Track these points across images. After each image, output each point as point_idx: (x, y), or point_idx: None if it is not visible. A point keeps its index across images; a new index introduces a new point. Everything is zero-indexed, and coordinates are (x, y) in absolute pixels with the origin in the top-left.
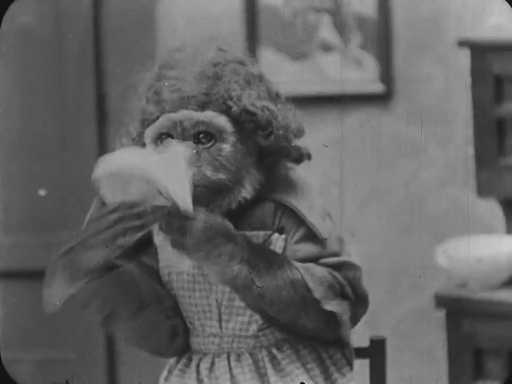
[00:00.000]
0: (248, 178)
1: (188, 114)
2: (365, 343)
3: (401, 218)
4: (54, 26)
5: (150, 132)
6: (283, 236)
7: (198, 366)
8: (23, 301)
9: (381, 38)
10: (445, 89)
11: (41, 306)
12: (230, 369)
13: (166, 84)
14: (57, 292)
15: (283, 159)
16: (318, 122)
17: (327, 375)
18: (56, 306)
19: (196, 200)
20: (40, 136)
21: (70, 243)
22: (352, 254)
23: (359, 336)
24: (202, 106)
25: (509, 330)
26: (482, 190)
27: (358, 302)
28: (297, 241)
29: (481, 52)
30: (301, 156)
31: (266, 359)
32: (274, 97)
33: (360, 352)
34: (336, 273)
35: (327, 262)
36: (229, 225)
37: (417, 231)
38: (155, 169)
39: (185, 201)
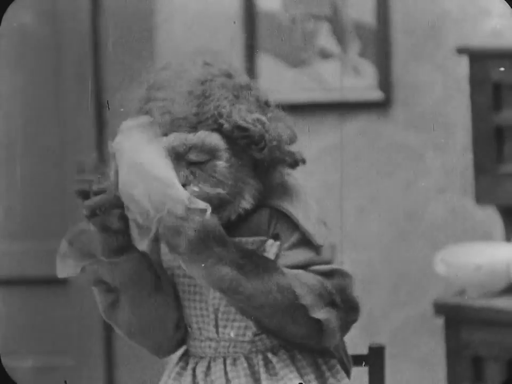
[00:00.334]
0: (247, 189)
1: (179, 139)
2: (363, 351)
3: (399, 225)
4: (53, 27)
5: None
6: (277, 243)
7: (194, 369)
8: (22, 308)
9: (379, 46)
10: (444, 97)
11: (41, 313)
12: (226, 373)
13: (155, 105)
14: (69, 264)
15: (278, 166)
16: (317, 129)
17: (322, 380)
18: (68, 275)
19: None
20: (40, 142)
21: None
22: (344, 262)
23: (357, 344)
24: (194, 127)
25: (508, 338)
26: (481, 198)
27: (348, 310)
28: (291, 247)
29: (481, 59)
30: (295, 161)
31: (261, 363)
32: (264, 106)
33: (359, 360)
34: (326, 282)
35: (318, 270)
36: (220, 227)
37: (415, 238)
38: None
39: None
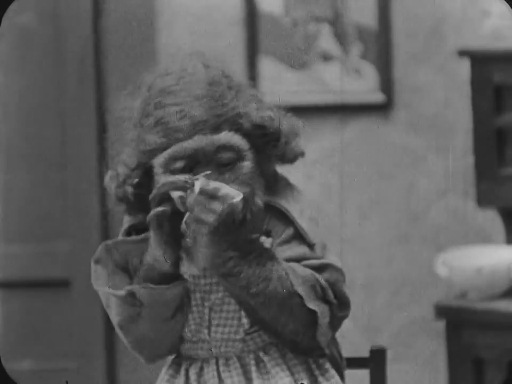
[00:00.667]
0: (260, 187)
1: (207, 141)
2: (365, 353)
3: (401, 228)
4: (54, 27)
5: (162, 162)
6: (270, 239)
7: (187, 371)
8: (23, 310)
9: (381, 48)
10: (445, 99)
11: (42, 316)
12: (219, 373)
13: (171, 111)
14: (101, 274)
15: (274, 161)
16: (318, 132)
17: (312, 379)
18: (98, 287)
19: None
20: (40, 144)
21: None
22: (335, 260)
23: (359, 346)
24: (216, 129)
25: (509, 340)
26: (482, 200)
27: (339, 306)
28: (284, 242)
29: (482, 61)
30: (296, 156)
31: (253, 363)
32: (266, 103)
33: (361, 362)
34: (318, 276)
35: (310, 264)
36: (241, 213)
37: (417, 241)
38: None
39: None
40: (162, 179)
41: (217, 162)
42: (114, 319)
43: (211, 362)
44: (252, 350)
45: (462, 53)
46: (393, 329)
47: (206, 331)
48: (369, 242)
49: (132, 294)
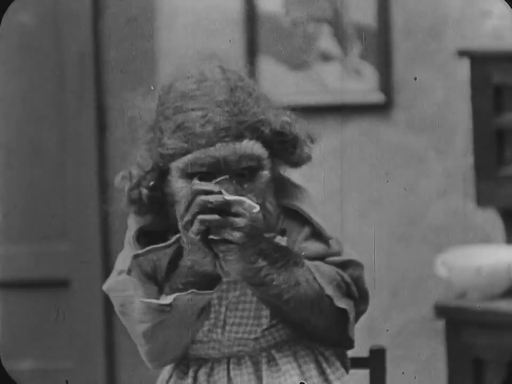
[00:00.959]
0: (270, 192)
1: (230, 150)
2: (365, 353)
3: (400, 228)
4: (54, 27)
5: (181, 167)
6: (285, 238)
7: (196, 372)
8: (23, 311)
9: (380, 48)
10: (444, 99)
11: (41, 316)
12: (229, 373)
13: (194, 116)
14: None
15: (289, 167)
16: (318, 132)
17: (324, 377)
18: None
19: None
20: (40, 144)
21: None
22: (352, 254)
23: (359, 346)
24: (238, 136)
25: (508, 340)
26: (482, 200)
27: (360, 300)
28: (304, 240)
29: (481, 62)
30: (303, 160)
31: (264, 360)
32: (278, 107)
33: (360, 362)
34: (342, 273)
35: (333, 261)
36: (258, 220)
37: (416, 241)
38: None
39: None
40: (194, 185)
41: (238, 171)
42: (137, 326)
43: (222, 362)
44: (264, 348)
45: (462, 53)
46: (393, 329)
47: (220, 330)
48: (369, 243)
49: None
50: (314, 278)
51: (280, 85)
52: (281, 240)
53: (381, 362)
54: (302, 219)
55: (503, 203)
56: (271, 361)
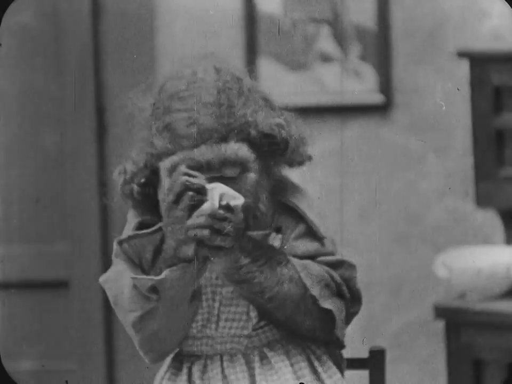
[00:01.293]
0: (263, 192)
1: (214, 152)
2: (364, 354)
3: (400, 228)
4: (54, 27)
5: (167, 167)
6: (280, 236)
7: (190, 369)
8: (23, 311)
9: (380, 49)
10: (444, 100)
11: (42, 316)
12: (223, 370)
13: (179, 117)
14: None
15: (287, 165)
16: (317, 133)
17: (315, 376)
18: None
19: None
20: (40, 144)
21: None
22: (345, 255)
23: (358, 347)
24: (223, 138)
25: (508, 341)
26: (482, 201)
27: (352, 301)
28: (296, 238)
29: (481, 62)
30: (303, 160)
31: (257, 359)
32: (275, 108)
33: (360, 363)
34: (333, 273)
35: (325, 260)
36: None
37: (416, 242)
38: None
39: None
40: (181, 178)
41: (223, 174)
42: (127, 316)
43: (215, 359)
44: (257, 346)
45: (461, 54)
46: (392, 330)
47: (213, 326)
48: (368, 243)
49: (153, 288)
50: (300, 277)
51: (279, 85)
52: (276, 238)
53: (381, 363)
54: (297, 217)
55: (503, 204)
56: (264, 359)
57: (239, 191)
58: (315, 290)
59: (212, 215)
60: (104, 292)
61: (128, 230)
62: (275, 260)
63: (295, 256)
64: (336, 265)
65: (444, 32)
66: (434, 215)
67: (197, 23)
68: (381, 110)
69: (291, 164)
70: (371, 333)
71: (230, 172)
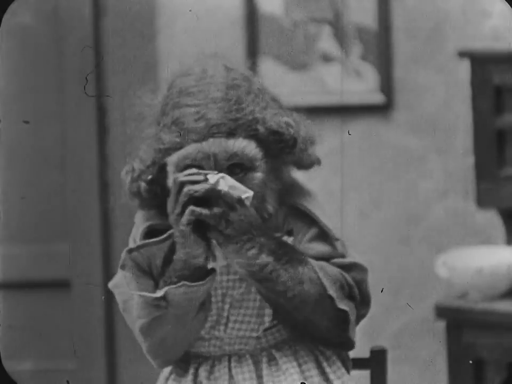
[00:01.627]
0: (271, 193)
1: (221, 146)
2: (365, 354)
3: (401, 228)
4: (54, 27)
5: (175, 161)
6: (291, 238)
7: (196, 369)
8: (24, 311)
9: (381, 49)
10: (445, 100)
11: (42, 316)
12: (230, 370)
13: (188, 112)
14: (129, 278)
15: (296, 168)
16: (318, 133)
17: (324, 377)
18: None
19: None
20: (40, 144)
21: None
22: (356, 257)
23: (359, 347)
24: (231, 133)
25: (509, 341)
26: (482, 201)
27: (362, 304)
28: (310, 240)
29: (482, 62)
30: (312, 162)
31: (265, 360)
32: (284, 108)
33: (361, 363)
34: (345, 275)
35: (338, 262)
36: (258, 217)
37: (417, 242)
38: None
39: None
40: (179, 177)
41: (229, 170)
42: (135, 322)
43: (223, 359)
44: (265, 348)
45: (462, 54)
46: (393, 329)
47: (222, 328)
48: (369, 243)
49: (162, 296)
50: (319, 278)
51: (280, 85)
52: (288, 241)
53: (382, 363)
54: (309, 220)
55: (504, 204)
56: (272, 360)
57: None
58: (332, 291)
59: (212, 193)
60: (104, 292)
61: (136, 234)
62: (296, 259)
63: (311, 258)
64: (349, 267)
65: (445, 32)
66: (435, 215)
67: (198, 23)
68: (382, 110)
69: (300, 166)
70: (372, 333)
71: (237, 166)
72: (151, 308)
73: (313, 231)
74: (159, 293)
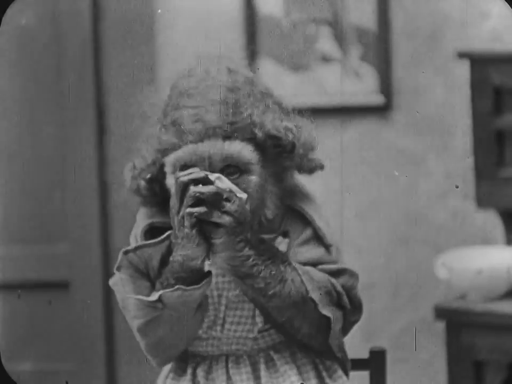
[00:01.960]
0: (270, 198)
1: (216, 148)
2: (365, 355)
3: (400, 229)
4: (54, 27)
5: (171, 162)
6: (286, 240)
7: (194, 369)
8: (24, 312)
9: (380, 50)
10: (444, 101)
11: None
12: (227, 370)
13: (186, 113)
14: (125, 281)
15: (293, 170)
16: (318, 134)
17: (320, 380)
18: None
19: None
20: (40, 144)
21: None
22: (347, 263)
23: (359, 348)
24: (228, 136)
25: (509, 342)
26: (482, 201)
27: (353, 310)
28: (302, 243)
29: (481, 63)
30: (314, 167)
31: (262, 360)
32: (287, 113)
33: (360, 364)
34: (334, 281)
35: (327, 268)
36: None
37: (416, 243)
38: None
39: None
40: (180, 177)
41: (223, 171)
42: (133, 322)
43: (220, 359)
44: (262, 349)
45: (462, 55)
46: (393, 330)
47: (219, 328)
48: (368, 244)
49: (157, 299)
50: (301, 280)
51: (279, 86)
52: (283, 242)
53: (381, 364)
54: (305, 222)
55: (503, 204)
56: (269, 361)
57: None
58: (315, 295)
59: (217, 194)
60: (104, 293)
61: (137, 232)
62: (279, 258)
63: (299, 262)
64: (338, 273)
65: (444, 33)
66: (434, 215)
67: (197, 24)
68: (381, 110)
69: (301, 170)
70: (372, 333)
71: (231, 169)
72: (147, 309)
73: (307, 233)
74: (154, 297)
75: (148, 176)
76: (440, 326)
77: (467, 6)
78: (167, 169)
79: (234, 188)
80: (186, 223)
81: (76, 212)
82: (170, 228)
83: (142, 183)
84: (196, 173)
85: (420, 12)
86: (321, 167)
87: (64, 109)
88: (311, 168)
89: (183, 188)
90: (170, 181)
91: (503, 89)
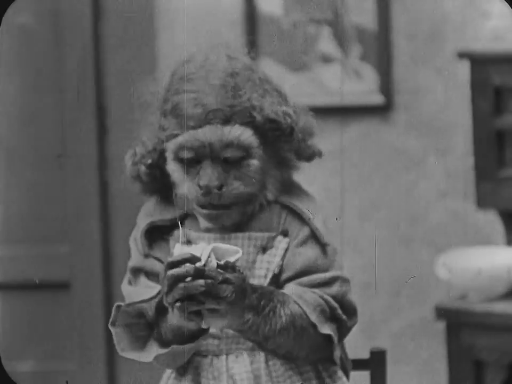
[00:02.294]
0: (271, 181)
1: (217, 133)
2: (365, 355)
3: (400, 229)
4: (54, 27)
5: (172, 147)
6: (286, 239)
7: (196, 368)
8: (24, 312)
9: (381, 50)
10: (444, 101)
11: (42, 318)
12: (228, 370)
13: (186, 97)
14: (122, 337)
15: (296, 158)
16: (318, 134)
17: (320, 381)
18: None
19: (230, 215)
20: (40, 144)
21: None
22: (343, 266)
23: (359, 348)
24: (227, 120)
25: (509, 342)
26: (482, 202)
27: (348, 318)
28: (299, 243)
29: (482, 63)
30: (313, 154)
31: (262, 359)
32: (285, 99)
33: (361, 364)
34: (327, 297)
35: (319, 279)
36: (243, 277)
37: (417, 243)
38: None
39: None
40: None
41: (224, 158)
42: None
43: (221, 358)
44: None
45: (462, 55)
46: (393, 331)
47: None
48: (369, 244)
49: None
50: (302, 313)
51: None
52: (283, 241)
53: (382, 364)
54: (303, 221)
55: (503, 204)
56: (269, 360)
57: (241, 177)
58: (314, 317)
59: (209, 275)
60: (104, 294)
61: (137, 234)
62: (276, 302)
63: (295, 262)
64: (332, 281)
65: (444, 33)
66: (434, 216)
67: (197, 23)
68: (381, 110)
69: (300, 156)
70: (372, 333)
71: (230, 155)
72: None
73: (304, 232)
74: (149, 358)
75: (149, 161)
76: (440, 326)
77: (467, 6)
78: (168, 155)
79: (229, 248)
80: (175, 311)
81: (76, 212)
82: (170, 226)
83: (143, 168)
84: (187, 267)
85: (420, 12)
86: (320, 154)
87: (65, 108)
88: (309, 154)
89: (172, 282)
90: (171, 167)
91: (503, 89)
